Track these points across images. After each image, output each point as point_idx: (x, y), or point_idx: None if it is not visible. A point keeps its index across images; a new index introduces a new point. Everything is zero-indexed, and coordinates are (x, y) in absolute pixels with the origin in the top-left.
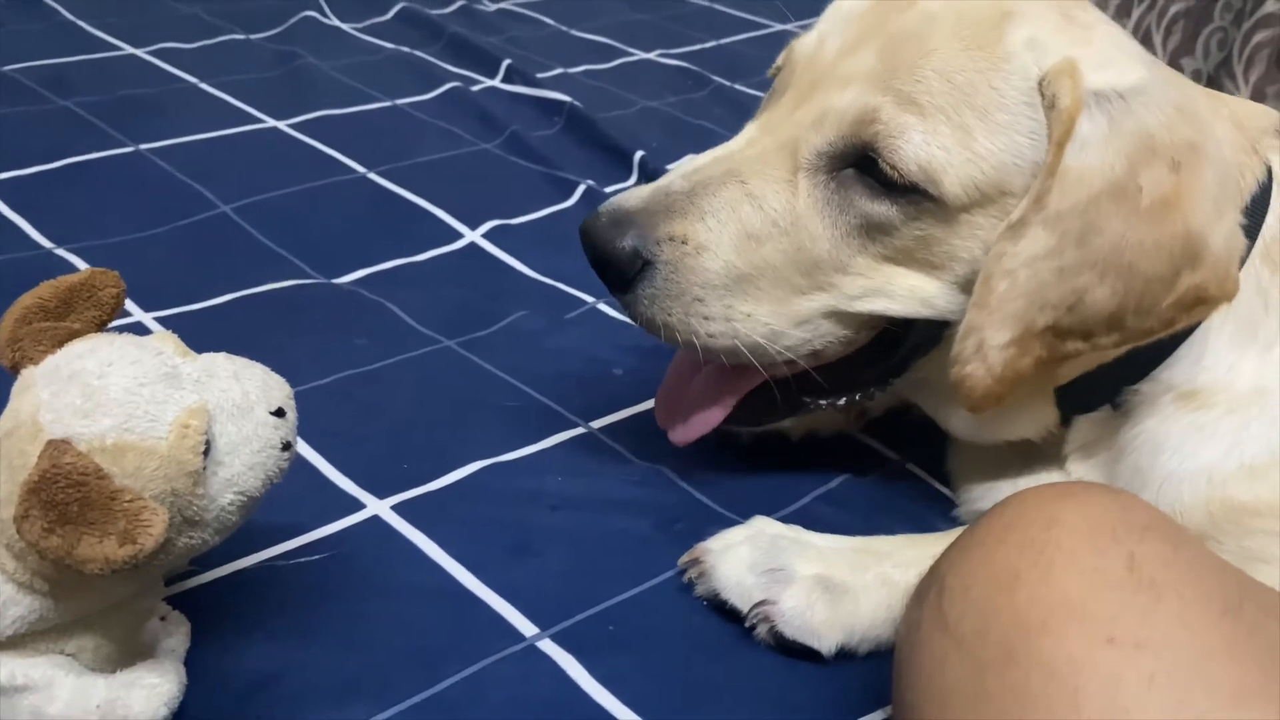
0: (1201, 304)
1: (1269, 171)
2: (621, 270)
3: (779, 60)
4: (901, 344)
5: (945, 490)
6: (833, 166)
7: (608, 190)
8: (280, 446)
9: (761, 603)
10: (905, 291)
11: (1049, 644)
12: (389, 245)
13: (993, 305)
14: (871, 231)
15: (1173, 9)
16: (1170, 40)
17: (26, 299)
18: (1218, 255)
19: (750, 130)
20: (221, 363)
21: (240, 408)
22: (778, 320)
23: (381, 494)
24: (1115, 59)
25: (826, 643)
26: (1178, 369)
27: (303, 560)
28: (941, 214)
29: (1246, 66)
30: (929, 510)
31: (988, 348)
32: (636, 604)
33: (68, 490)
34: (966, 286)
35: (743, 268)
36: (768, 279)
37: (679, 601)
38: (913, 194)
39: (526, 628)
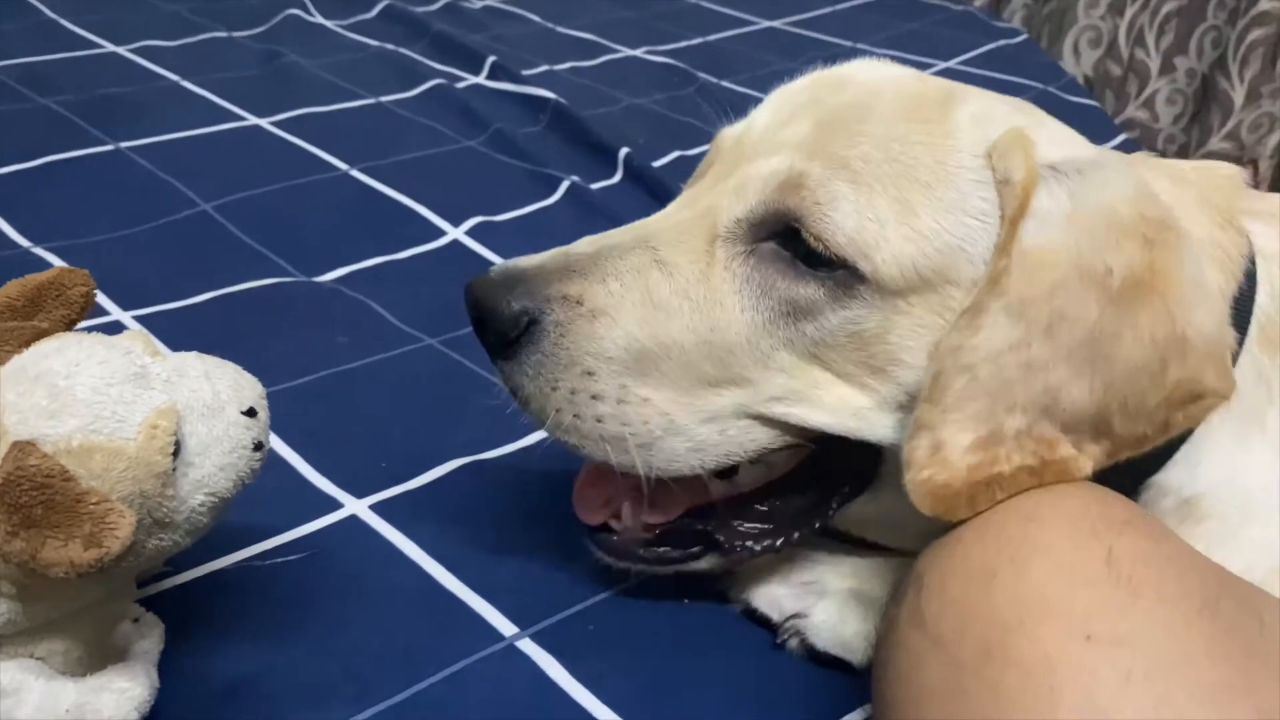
0: (1197, 400)
1: (1250, 246)
2: (503, 329)
3: (706, 155)
4: (835, 472)
5: None
6: (754, 237)
7: (592, 187)
8: (252, 447)
9: (794, 615)
10: (834, 401)
11: (1026, 642)
12: (371, 243)
13: (949, 403)
14: (797, 318)
15: (1165, 8)
16: (1164, 39)
17: None
18: (1209, 340)
19: (669, 207)
20: (192, 362)
21: (211, 408)
22: (680, 412)
23: (360, 493)
24: (1065, 135)
25: (859, 655)
26: (1176, 472)
27: (280, 560)
28: (876, 300)
29: (1241, 65)
30: None
31: (949, 449)
32: (617, 603)
33: (32, 493)
34: (907, 405)
35: (646, 342)
36: (674, 361)
37: (659, 600)
38: (842, 271)
39: (506, 627)
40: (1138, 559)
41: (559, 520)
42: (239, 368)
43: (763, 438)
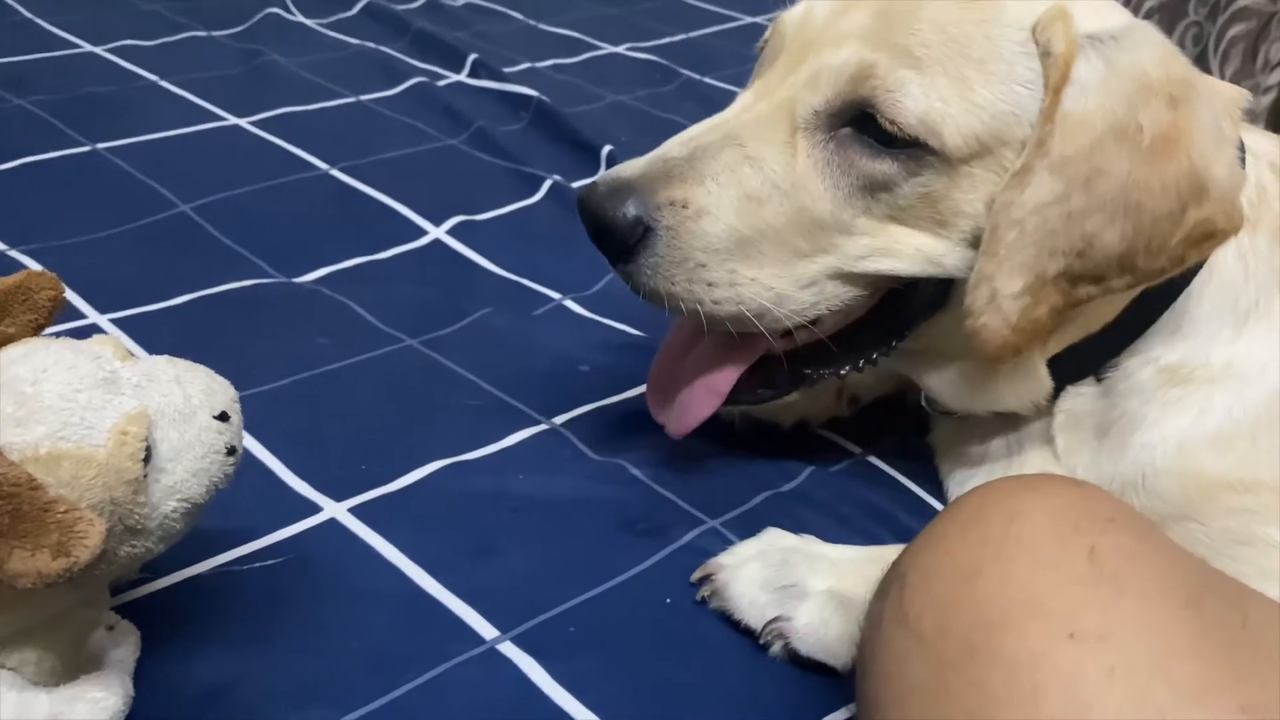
0: (1210, 238)
1: (1241, 142)
2: (622, 238)
3: (766, 34)
4: (906, 306)
5: (908, 482)
6: (831, 125)
7: (575, 185)
8: (224, 451)
9: (775, 619)
10: (911, 250)
11: (1010, 639)
12: (351, 243)
13: (1002, 255)
14: (874, 190)
15: (1147, 3)
16: None
17: None
18: (1222, 188)
19: (744, 98)
20: (163, 366)
21: (182, 413)
22: (782, 284)
23: (339, 496)
24: (1101, 6)
25: (842, 658)
26: (1156, 339)
27: (258, 565)
28: (943, 167)
29: (1222, 61)
30: (893, 503)
31: (1001, 297)
32: (598, 604)
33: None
34: (973, 243)
35: (745, 231)
36: (770, 242)
37: (641, 601)
38: (913, 149)
39: (487, 630)
40: (1121, 556)
41: (538, 520)
42: (211, 371)
43: (853, 290)
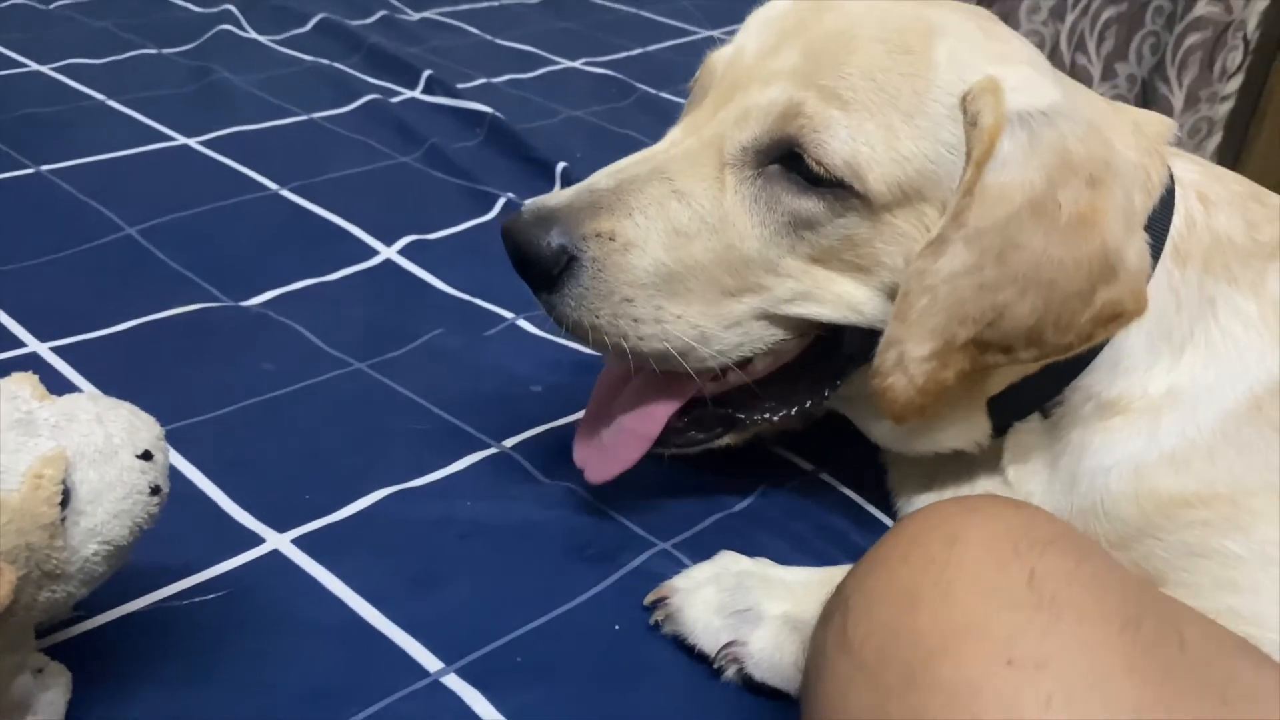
0: (1117, 318)
1: (1170, 174)
2: (546, 268)
3: (698, 73)
4: (834, 353)
5: (859, 500)
6: (758, 162)
7: (529, 203)
8: (148, 491)
9: (730, 644)
10: (833, 297)
11: (949, 666)
12: (301, 264)
13: (913, 319)
14: (799, 229)
15: (1105, 14)
16: (1104, 45)
17: None
18: (1132, 271)
19: (673, 134)
20: (83, 405)
21: (103, 452)
22: (709, 322)
23: (281, 527)
24: (1032, 79)
25: (796, 683)
26: (1097, 376)
27: (198, 600)
28: (866, 212)
29: (1180, 69)
30: (846, 521)
31: (908, 360)
32: (546, 632)
33: None
34: (893, 294)
35: (672, 266)
36: (698, 279)
37: (589, 628)
38: (838, 189)
39: (431, 663)
40: (1060, 579)
41: (486, 547)
42: (135, 408)
43: (778, 333)
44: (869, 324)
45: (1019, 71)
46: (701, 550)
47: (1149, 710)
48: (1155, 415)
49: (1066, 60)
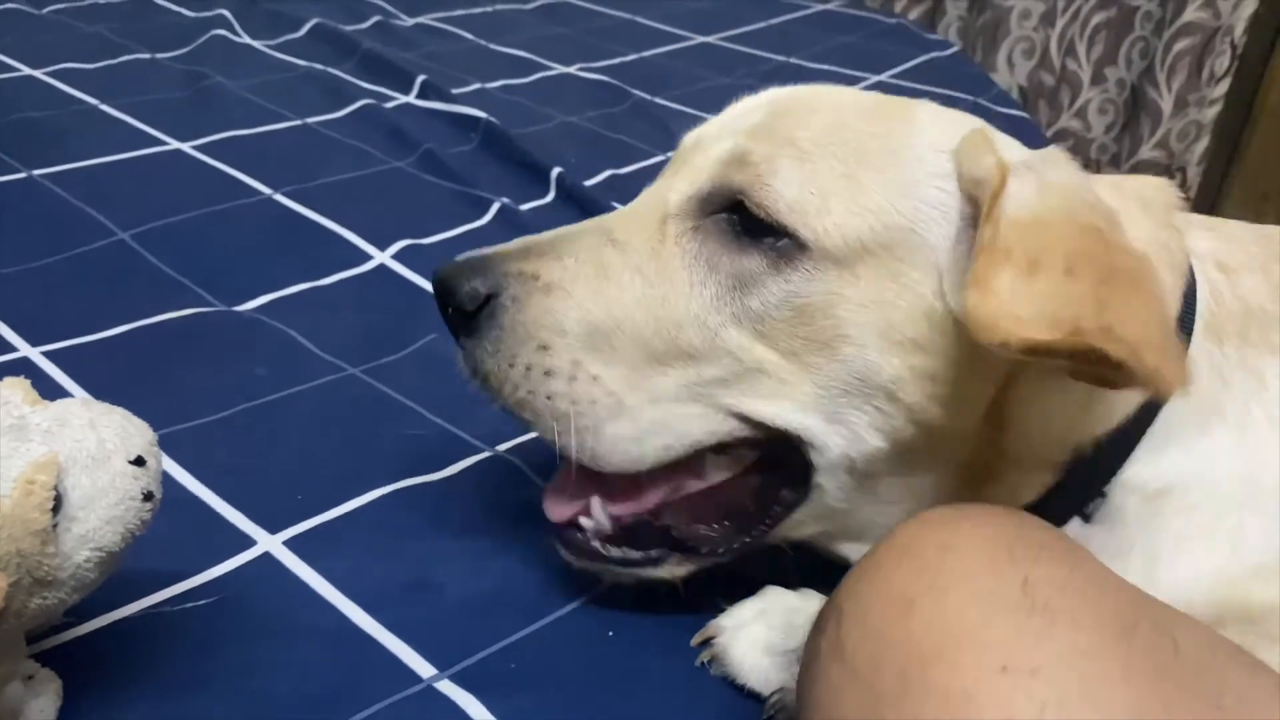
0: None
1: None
2: (461, 302)
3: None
4: (770, 482)
5: None
6: (701, 212)
7: (523, 208)
8: (141, 497)
9: (781, 689)
10: (772, 389)
11: (943, 674)
12: (294, 269)
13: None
14: (742, 292)
15: (1095, 19)
16: (1094, 50)
17: None
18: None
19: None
20: (76, 410)
21: (95, 458)
22: (628, 393)
23: (273, 528)
24: (1013, 143)
25: None
26: (1138, 469)
27: (190, 605)
28: (818, 271)
29: (1168, 74)
30: None
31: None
32: (540, 638)
33: None
34: (852, 394)
35: (598, 315)
36: (626, 336)
37: (583, 634)
38: (784, 241)
39: (424, 668)
40: (1054, 586)
41: (479, 552)
42: (128, 414)
43: (706, 426)
44: (809, 438)
45: (1006, 139)
46: None
47: (1144, 716)
48: (1237, 515)
49: (1057, 65)
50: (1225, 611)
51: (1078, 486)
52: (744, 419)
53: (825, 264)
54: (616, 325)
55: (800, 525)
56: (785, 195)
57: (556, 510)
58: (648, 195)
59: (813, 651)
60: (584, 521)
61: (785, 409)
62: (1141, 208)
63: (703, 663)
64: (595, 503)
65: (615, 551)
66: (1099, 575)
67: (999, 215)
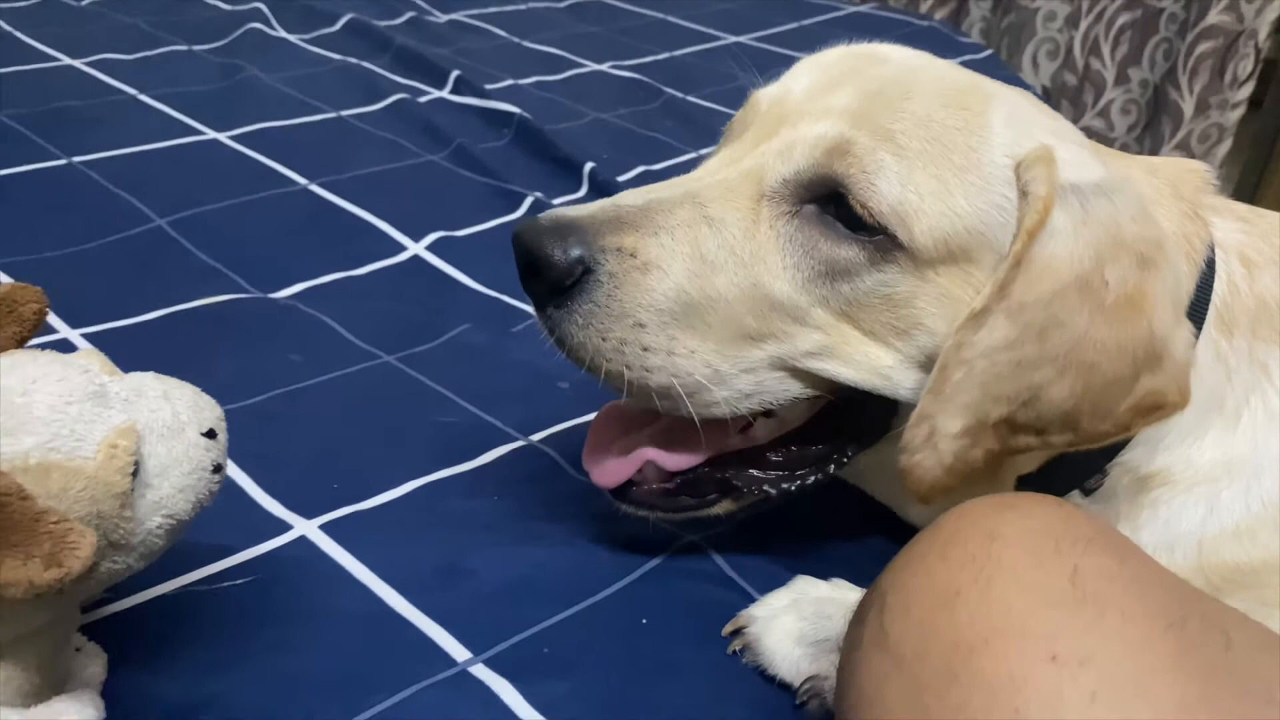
0: (1158, 410)
1: (1210, 235)
2: (558, 276)
3: (739, 113)
4: (849, 424)
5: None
6: (798, 198)
7: (556, 202)
8: (211, 469)
9: (812, 677)
10: (861, 357)
11: (990, 663)
12: (329, 258)
13: (947, 394)
14: (834, 278)
15: (1120, 20)
16: (1118, 50)
17: None
18: (1177, 361)
19: (709, 164)
20: (150, 382)
21: (171, 428)
22: (723, 362)
23: (309, 514)
24: (1084, 155)
25: None
26: (1138, 451)
27: (226, 585)
28: (909, 266)
29: (1191, 76)
30: (867, 523)
31: (939, 436)
32: (572, 625)
33: None
34: (925, 364)
35: (694, 295)
36: (719, 314)
37: (616, 621)
38: (881, 238)
39: (458, 652)
40: (1102, 577)
41: (511, 539)
42: (197, 389)
43: (794, 388)
44: (893, 393)
45: (1071, 147)
46: (736, 546)
47: (1194, 709)
48: (1212, 487)
49: (1080, 65)
50: (1209, 574)
51: (1082, 462)
52: (830, 380)
53: (914, 262)
54: (712, 305)
55: (864, 463)
56: (888, 196)
57: (606, 476)
58: (733, 162)
59: (854, 640)
60: (636, 478)
61: (870, 377)
62: (1173, 194)
63: (734, 651)
64: (650, 465)
65: (671, 501)
66: (1147, 567)
67: (1024, 257)
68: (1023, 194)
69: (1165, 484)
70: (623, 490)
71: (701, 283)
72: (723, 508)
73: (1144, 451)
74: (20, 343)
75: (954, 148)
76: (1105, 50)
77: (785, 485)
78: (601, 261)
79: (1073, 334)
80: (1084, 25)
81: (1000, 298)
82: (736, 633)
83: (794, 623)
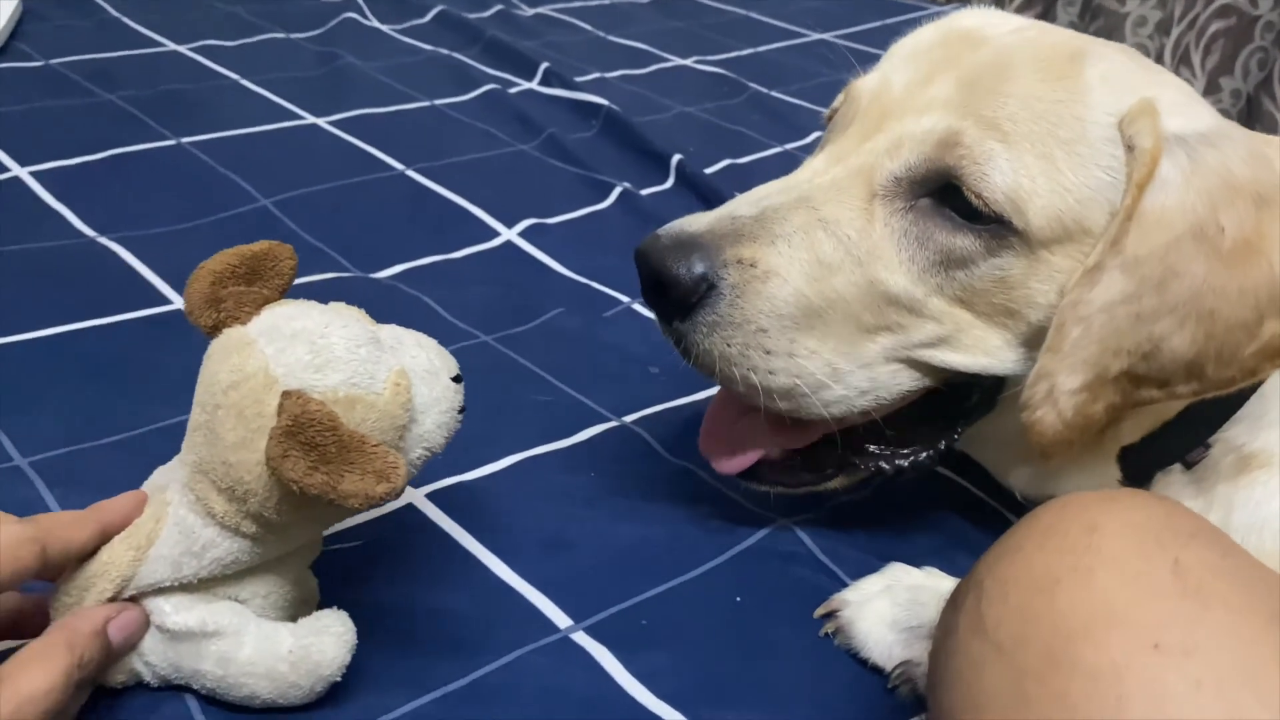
0: None
1: None
2: (684, 295)
3: (835, 102)
4: (955, 407)
5: (974, 489)
6: (912, 194)
7: (644, 193)
8: (459, 409)
9: (905, 662)
10: (972, 343)
11: (1091, 650)
12: (426, 241)
13: (1065, 351)
14: (950, 267)
15: (1212, 28)
16: (1209, 59)
17: (214, 264)
18: None
19: (814, 163)
20: (401, 333)
21: (429, 371)
22: (842, 360)
23: (416, 483)
24: (1187, 102)
25: None
26: (1240, 428)
27: (336, 547)
28: (1023, 249)
29: None
30: (958, 514)
31: (1059, 393)
32: (669, 599)
33: (325, 434)
34: (1032, 342)
35: (812, 298)
36: (836, 313)
37: (711, 598)
38: (996, 225)
39: (561, 619)
40: (1206, 570)
41: (610, 515)
42: (437, 342)
43: (906, 381)
44: (1002, 372)
45: (1172, 95)
46: (826, 530)
47: None
48: None
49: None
50: None
51: (1184, 434)
52: (941, 369)
53: (1030, 244)
54: (829, 305)
55: (975, 432)
56: (1001, 185)
57: (726, 465)
58: (840, 159)
59: (949, 627)
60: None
61: (979, 359)
62: None
63: (827, 633)
64: (772, 450)
65: (791, 476)
66: (1249, 562)
67: (1135, 211)
68: (1128, 149)
69: (1264, 466)
70: (750, 469)
71: (820, 286)
72: (839, 482)
73: (1247, 428)
74: (281, 294)
75: (1060, 121)
76: (1196, 59)
77: (899, 461)
78: (724, 275)
79: (1191, 283)
80: (1175, 32)
81: (1115, 253)
82: (829, 615)
83: (887, 608)
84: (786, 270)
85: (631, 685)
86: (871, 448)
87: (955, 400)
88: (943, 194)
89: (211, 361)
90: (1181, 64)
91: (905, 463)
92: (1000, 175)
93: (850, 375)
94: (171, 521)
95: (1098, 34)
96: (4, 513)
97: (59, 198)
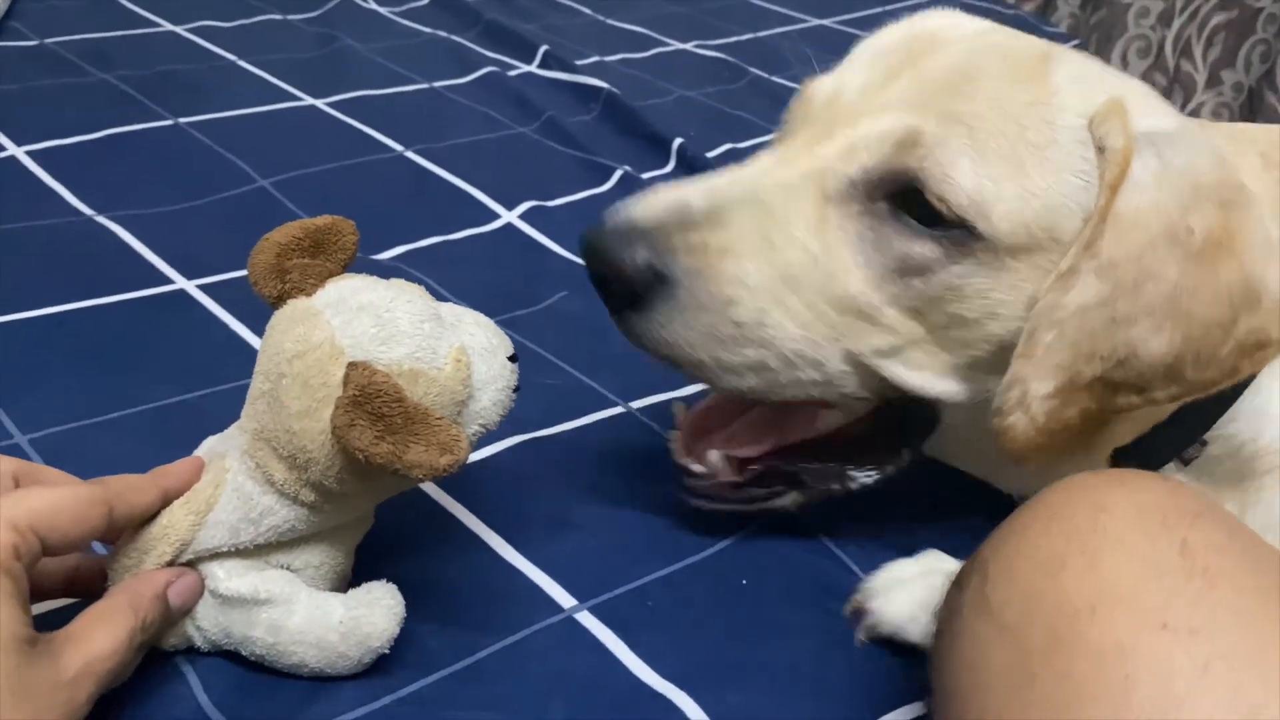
0: (1262, 347)
1: None
2: (627, 284)
3: (791, 102)
4: (909, 421)
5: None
6: (868, 196)
7: (644, 176)
8: (514, 388)
9: None
10: (923, 359)
11: (1097, 630)
12: (427, 223)
13: (1038, 356)
14: (908, 275)
15: (1214, 20)
16: (1211, 52)
17: (279, 235)
18: (1275, 296)
19: (762, 160)
20: (459, 311)
21: (487, 349)
22: (805, 345)
23: None
24: (1153, 103)
25: None
26: (1240, 424)
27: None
28: (987, 257)
29: None
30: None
31: (1031, 398)
32: (674, 581)
33: (391, 404)
34: (986, 365)
35: (776, 273)
36: (801, 298)
37: (717, 580)
38: (958, 231)
39: (565, 599)
40: (1212, 550)
41: (613, 500)
42: (492, 321)
43: (851, 384)
44: (947, 398)
45: (1140, 97)
46: (830, 517)
47: None
48: None
49: (1171, 66)
50: None
51: (1178, 432)
52: (888, 382)
53: (994, 251)
54: (794, 283)
55: (928, 447)
56: (965, 187)
57: (684, 457)
58: (790, 162)
59: (953, 607)
60: (695, 468)
61: (927, 378)
62: (1263, 162)
63: (851, 612)
64: (713, 453)
65: (739, 494)
66: (1256, 543)
67: (1109, 213)
68: (1099, 150)
69: (1271, 471)
70: (691, 483)
71: (775, 268)
72: (792, 500)
73: (1247, 423)
74: (343, 268)
75: (1028, 124)
76: (1197, 52)
77: (849, 483)
78: (677, 263)
79: (1166, 285)
80: (1176, 24)
81: (1089, 256)
82: (858, 612)
83: (923, 593)
84: (738, 248)
85: (636, 665)
86: (818, 465)
87: (906, 418)
88: (902, 198)
89: (276, 331)
90: (1183, 56)
91: (854, 484)
92: (963, 177)
93: (806, 362)
94: (230, 488)
95: (1100, 24)
96: (69, 474)
97: (56, 177)
